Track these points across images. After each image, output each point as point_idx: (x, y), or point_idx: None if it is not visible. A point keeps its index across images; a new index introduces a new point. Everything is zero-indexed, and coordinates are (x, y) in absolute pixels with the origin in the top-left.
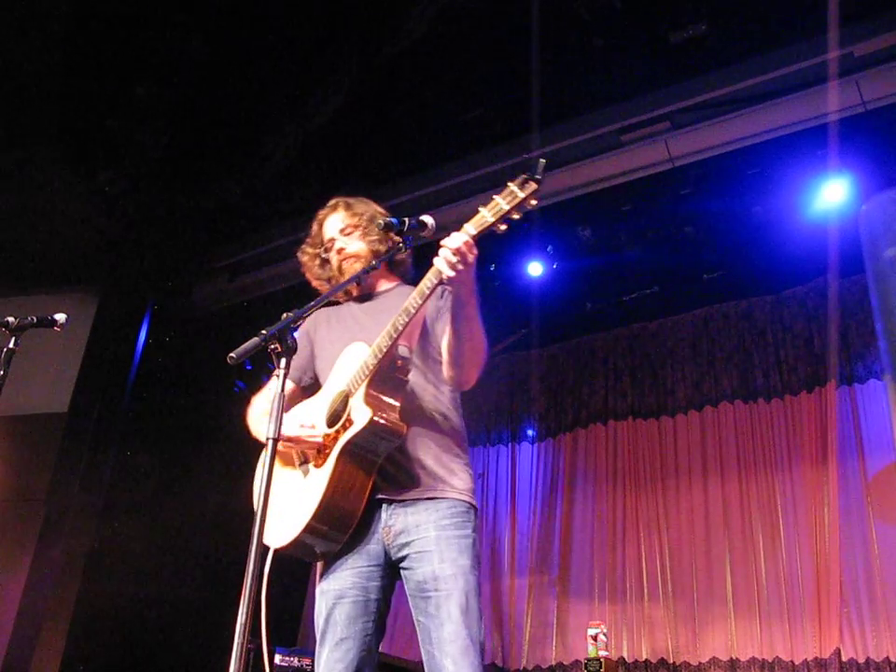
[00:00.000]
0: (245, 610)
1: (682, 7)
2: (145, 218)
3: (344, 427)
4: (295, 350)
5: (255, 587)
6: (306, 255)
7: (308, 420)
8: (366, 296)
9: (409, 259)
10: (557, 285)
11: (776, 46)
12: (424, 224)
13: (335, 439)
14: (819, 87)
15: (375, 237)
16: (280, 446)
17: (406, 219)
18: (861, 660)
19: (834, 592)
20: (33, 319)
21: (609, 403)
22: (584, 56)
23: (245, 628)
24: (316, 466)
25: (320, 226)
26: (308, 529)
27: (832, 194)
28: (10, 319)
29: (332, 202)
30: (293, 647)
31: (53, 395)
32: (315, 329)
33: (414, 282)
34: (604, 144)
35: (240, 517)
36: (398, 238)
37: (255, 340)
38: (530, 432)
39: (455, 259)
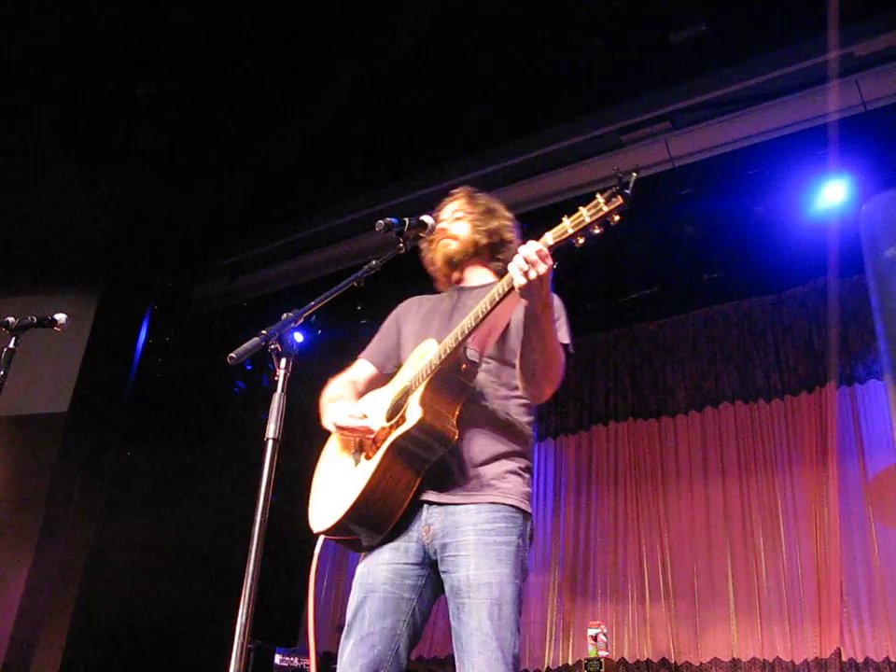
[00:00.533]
0: (245, 611)
1: (682, 6)
2: (145, 218)
3: (398, 423)
4: (294, 351)
5: (255, 587)
6: (424, 242)
7: (360, 411)
8: (463, 289)
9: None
10: (557, 285)
11: (776, 46)
12: (424, 224)
13: (388, 433)
14: (819, 87)
15: (483, 227)
16: (336, 433)
17: (406, 219)
18: (861, 660)
19: (834, 592)
20: (33, 319)
21: (610, 404)
22: (584, 56)
23: (245, 628)
24: (367, 457)
25: (440, 213)
26: (347, 517)
27: (832, 194)
28: (10, 319)
29: (457, 190)
30: (293, 647)
31: (53, 395)
32: (406, 317)
33: None
34: (604, 144)
35: (240, 516)
36: (400, 238)
37: (255, 340)
38: None
39: (527, 267)
